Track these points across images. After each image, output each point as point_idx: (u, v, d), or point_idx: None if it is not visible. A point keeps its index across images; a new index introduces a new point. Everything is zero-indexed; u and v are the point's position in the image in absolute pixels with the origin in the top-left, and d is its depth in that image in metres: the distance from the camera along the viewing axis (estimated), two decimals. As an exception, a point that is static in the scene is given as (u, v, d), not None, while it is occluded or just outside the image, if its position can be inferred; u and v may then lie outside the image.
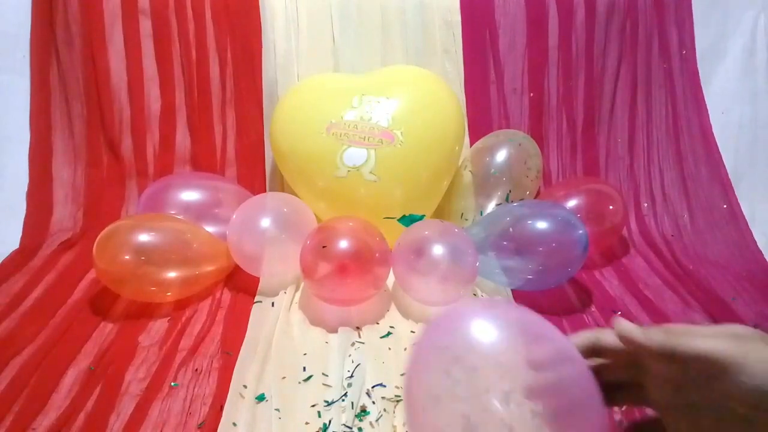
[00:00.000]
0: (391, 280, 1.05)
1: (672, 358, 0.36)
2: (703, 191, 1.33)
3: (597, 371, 0.43)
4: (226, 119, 1.30)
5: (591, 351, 0.43)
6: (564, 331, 0.97)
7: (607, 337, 0.43)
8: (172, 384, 0.84)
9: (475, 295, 1.06)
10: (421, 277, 0.95)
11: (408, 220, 1.12)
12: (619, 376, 0.43)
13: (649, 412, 0.43)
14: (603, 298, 1.07)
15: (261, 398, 0.81)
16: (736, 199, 1.30)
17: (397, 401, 0.81)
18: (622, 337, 0.39)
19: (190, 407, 0.80)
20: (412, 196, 1.13)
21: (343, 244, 0.94)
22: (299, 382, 0.85)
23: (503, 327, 0.43)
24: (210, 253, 1.03)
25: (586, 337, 0.43)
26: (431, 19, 1.31)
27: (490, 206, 1.14)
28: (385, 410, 0.79)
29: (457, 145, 1.16)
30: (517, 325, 0.43)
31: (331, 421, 0.77)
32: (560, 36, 1.32)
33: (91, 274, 1.10)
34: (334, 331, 0.96)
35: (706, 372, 0.36)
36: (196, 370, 0.87)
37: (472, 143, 1.29)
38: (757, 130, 1.35)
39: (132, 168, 1.28)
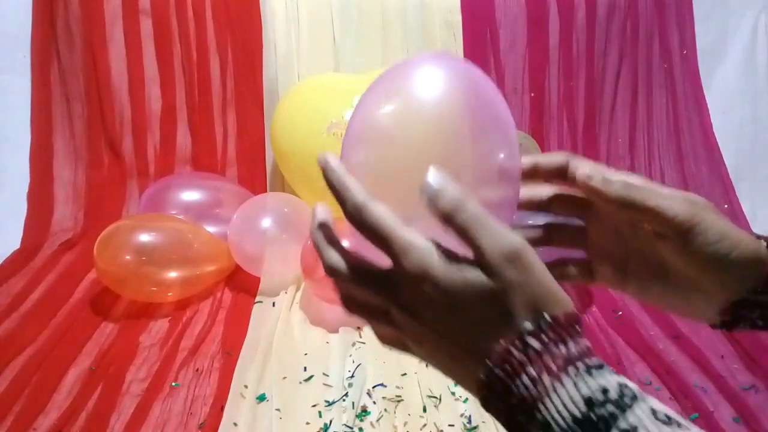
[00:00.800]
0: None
1: (627, 208, 0.36)
2: (704, 191, 1.33)
3: (543, 204, 0.42)
4: (226, 119, 1.30)
5: (529, 172, 0.41)
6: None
7: (544, 159, 0.41)
8: (173, 384, 0.84)
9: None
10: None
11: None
12: (563, 210, 0.43)
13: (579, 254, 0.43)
14: (603, 298, 1.07)
15: (262, 398, 0.81)
16: (737, 199, 1.30)
17: (398, 401, 0.81)
18: (581, 182, 0.38)
19: (191, 407, 0.80)
20: (412, 196, 1.13)
21: (344, 244, 0.93)
22: (300, 382, 0.85)
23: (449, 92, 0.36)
24: (211, 253, 1.03)
25: (554, 159, 0.40)
26: (432, 18, 1.31)
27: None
28: (385, 410, 0.79)
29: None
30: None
31: (332, 421, 0.77)
32: (561, 36, 1.32)
33: (92, 274, 1.10)
34: (335, 331, 0.96)
35: (656, 228, 0.37)
36: (197, 370, 0.87)
37: (472, 143, 1.28)
38: (758, 130, 1.35)
39: (133, 168, 1.28)
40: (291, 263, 1.00)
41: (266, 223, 1.01)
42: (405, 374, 0.86)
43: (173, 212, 1.08)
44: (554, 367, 0.28)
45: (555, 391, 0.28)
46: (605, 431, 0.27)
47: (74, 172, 1.27)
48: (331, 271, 0.34)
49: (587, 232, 0.42)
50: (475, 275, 0.29)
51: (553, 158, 0.40)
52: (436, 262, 0.29)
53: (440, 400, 0.81)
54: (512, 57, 1.33)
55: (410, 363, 0.89)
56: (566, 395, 0.28)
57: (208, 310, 1.01)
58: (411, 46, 1.31)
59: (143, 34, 1.26)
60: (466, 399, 0.82)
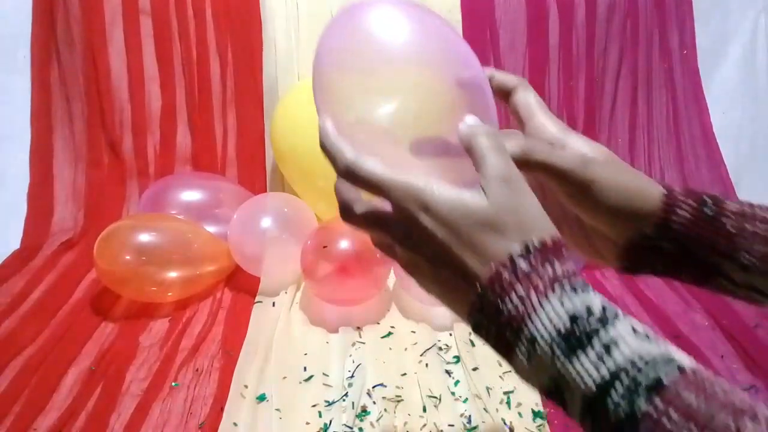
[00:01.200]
0: (391, 280, 1.05)
1: (526, 166, 0.38)
2: (703, 191, 1.33)
3: None
4: (226, 119, 1.30)
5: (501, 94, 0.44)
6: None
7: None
8: (173, 384, 0.84)
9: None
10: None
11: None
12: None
13: None
14: (602, 292, 1.06)
15: (262, 398, 0.82)
16: (737, 199, 1.30)
17: (398, 401, 0.82)
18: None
19: (190, 407, 0.80)
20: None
21: (344, 244, 0.94)
22: (300, 382, 0.85)
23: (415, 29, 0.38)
24: (211, 253, 1.03)
25: (509, 79, 0.44)
26: (432, 18, 1.31)
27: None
28: (385, 410, 0.79)
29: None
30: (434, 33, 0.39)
31: (332, 421, 0.77)
32: (561, 35, 1.32)
33: (92, 274, 1.10)
34: (335, 331, 0.96)
35: (552, 183, 0.39)
36: (197, 370, 0.87)
37: (472, 143, 1.28)
38: (758, 130, 1.35)
39: (133, 168, 1.28)
40: (291, 263, 1.00)
41: (266, 223, 1.01)
42: (405, 374, 0.87)
43: (173, 212, 1.08)
44: (541, 286, 0.30)
45: (542, 307, 0.30)
46: (587, 343, 0.29)
47: (74, 172, 1.27)
48: (344, 211, 0.37)
49: None
50: (473, 196, 0.32)
51: (507, 79, 0.43)
52: (435, 192, 0.32)
53: (440, 400, 0.81)
54: (512, 56, 1.33)
55: (410, 363, 0.89)
56: (552, 311, 0.29)
57: (208, 310, 1.01)
58: (411, 45, 1.31)
59: (143, 34, 1.26)
60: (466, 399, 0.82)
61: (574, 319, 0.29)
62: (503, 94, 0.43)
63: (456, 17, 1.31)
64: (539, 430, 0.77)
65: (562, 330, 0.29)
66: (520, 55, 1.33)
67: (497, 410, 0.80)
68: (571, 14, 1.31)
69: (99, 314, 0.99)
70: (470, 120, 0.35)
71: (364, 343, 0.93)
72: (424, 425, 0.78)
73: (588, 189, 0.38)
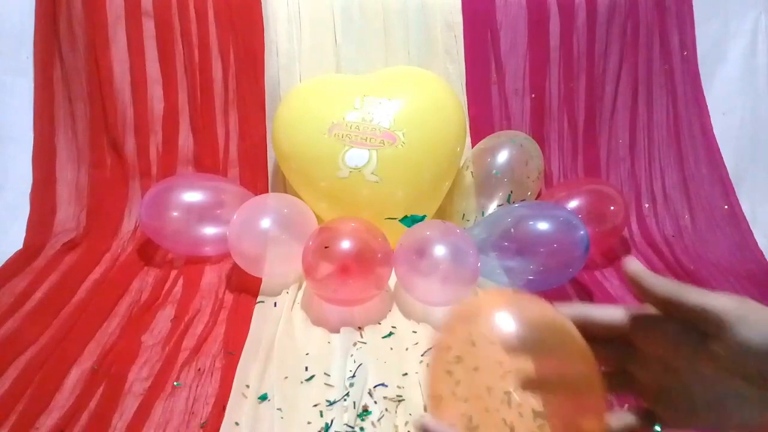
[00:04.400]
0: (392, 280, 1.05)
1: (675, 305, 0.36)
2: (704, 192, 1.33)
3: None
4: (228, 120, 1.31)
5: (578, 326, 0.41)
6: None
7: (597, 311, 0.41)
8: (175, 384, 0.84)
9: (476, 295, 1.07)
10: (423, 278, 0.96)
11: (410, 220, 1.13)
12: (606, 360, 0.42)
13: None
14: (604, 299, 1.07)
15: (263, 398, 0.82)
16: (737, 200, 1.30)
17: (399, 401, 0.82)
18: (631, 277, 0.38)
19: (192, 407, 0.81)
20: (413, 197, 1.13)
21: (345, 244, 0.94)
22: (301, 382, 0.85)
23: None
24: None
25: (576, 309, 0.41)
26: (433, 20, 1.32)
27: (492, 207, 1.14)
28: (386, 410, 0.80)
29: (459, 146, 1.16)
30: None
31: (333, 421, 0.78)
32: (561, 37, 1.33)
33: (95, 275, 1.10)
34: (336, 331, 0.96)
35: (705, 330, 0.35)
36: (199, 369, 0.87)
37: (473, 144, 1.29)
38: (758, 130, 1.35)
39: (135, 169, 1.28)
40: (292, 263, 1.00)
41: (266, 223, 1.01)
42: (406, 374, 0.87)
43: (175, 213, 1.08)
44: None
45: None
46: None
47: (77, 173, 1.28)
48: None
49: (633, 375, 0.42)
50: None
51: (611, 315, 0.40)
52: None
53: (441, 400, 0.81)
54: (513, 58, 1.33)
55: (411, 363, 0.89)
56: None
57: (209, 310, 1.01)
58: (412, 47, 1.32)
59: (146, 36, 1.26)
60: (467, 399, 0.82)
61: None
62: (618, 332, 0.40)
63: (457, 19, 1.32)
64: (540, 430, 0.77)
65: None
66: (521, 57, 1.33)
67: (498, 410, 0.80)
68: (572, 16, 1.32)
69: (101, 314, 0.99)
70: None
71: (365, 343, 0.94)
72: (425, 425, 0.78)
73: (738, 325, 0.33)
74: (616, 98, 1.37)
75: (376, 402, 0.81)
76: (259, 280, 1.07)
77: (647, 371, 0.41)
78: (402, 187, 1.12)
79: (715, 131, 1.36)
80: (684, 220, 1.32)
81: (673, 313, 0.36)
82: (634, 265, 0.38)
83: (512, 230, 0.98)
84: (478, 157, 1.21)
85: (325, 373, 0.87)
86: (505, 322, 0.39)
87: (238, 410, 0.79)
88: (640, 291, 0.38)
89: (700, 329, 0.35)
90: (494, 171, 1.16)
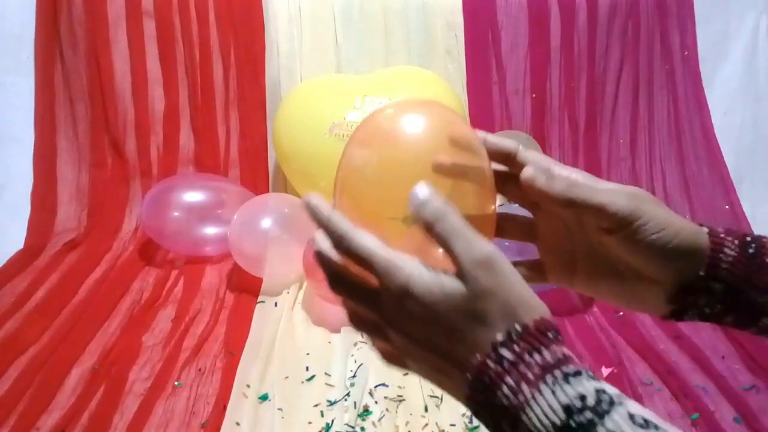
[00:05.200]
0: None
1: (571, 206, 0.37)
2: (705, 192, 1.33)
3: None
4: (229, 120, 1.31)
5: (500, 156, 0.41)
6: (567, 333, 0.98)
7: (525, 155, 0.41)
8: (176, 383, 0.84)
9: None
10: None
11: (411, 221, 1.12)
12: (514, 198, 0.43)
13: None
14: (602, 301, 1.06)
15: (264, 398, 0.82)
16: (738, 200, 1.30)
17: (400, 401, 0.82)
18: (524, 181, 0.38)
19: (193, 407, 0.81)
20: (414, 197, 1.13)
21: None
22: (302, 382, 0.85)
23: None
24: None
25: (507, 144, 0.41)
26: (434, 20, 1.32)
27: (492, 207, 1.14)
28: (387, 410, 0.80)
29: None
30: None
31: (334, 421, 0.78)
32: (562, 37, 1.32)
33: (96, 274, 1.10)
34: (337, 331, 0.96)
35: (600, 223, 0.38)
36: (200, 369, 0.87)
37: (474, 144, 1.28)
38: (759, 130, 1.35)
39: (136, 169, 1.28)
40: (293, 263, 1.00)
41: (266, 223, 1.01)
42: (407, 374, 0.87)
43: (175, 213, 1.08)
44: (531, 376, 0.29)
45: (534, 399, 0.29)
46: None
47: (77, 173, 1.28)
48: (333, 285, 0.35)
49: (536, 226, 0.43)
50: (451, 283, 0.30)
51: (503, 144, 0.40)
52: (417, 278, 0.31)
53: (442, 399, 0.81)
54: (514, 58, 1.33)
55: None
56: (545, 404, 0.28)
57: (210, 310, 1.01)
58: (413, 47, 1.31)
59: (146, 36, 1.26)
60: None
61: (568, 410, 0.28)
62: (501, 158, 0.41)
63: (458, 20, 1.32)
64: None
65: (559, 423, 0.28)
66: (522, 57, 1.33)
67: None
68: (573, 16, 1.32)
69: (102, 314, 0.99)
70: (422, 192, 0.33)
71: (366, 343, 0.94)
72: (426, 425, 0.78)
73: (638, 227, 0.36)
74: (617, 98, 1.37)
75: (376, 402, 0.81)
76: (259, 280, 1.07)
77: (547, 224, 0.42)
78: (403, 187, 1.11)
79: (716, 131, 1.35)
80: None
81: (571, 207, 0.37)
82: (528, 169, 0.38)
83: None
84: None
85: (325, 373, 0.87)
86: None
87: (239, 410, 0.79)
88: (534, 193, 0.38)
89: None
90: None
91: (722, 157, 1.33)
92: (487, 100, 1.34)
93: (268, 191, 1.30)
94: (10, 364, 0.86)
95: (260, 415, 0.79)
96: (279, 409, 0.79)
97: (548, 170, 0.38)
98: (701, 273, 0.37)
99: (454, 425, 0.77)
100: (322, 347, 0.93)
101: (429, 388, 0.83)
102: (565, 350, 0.30)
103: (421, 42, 1.31)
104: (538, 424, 0.28)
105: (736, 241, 0.38)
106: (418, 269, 0.31)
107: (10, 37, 1.24)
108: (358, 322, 0.36)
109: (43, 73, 1.25)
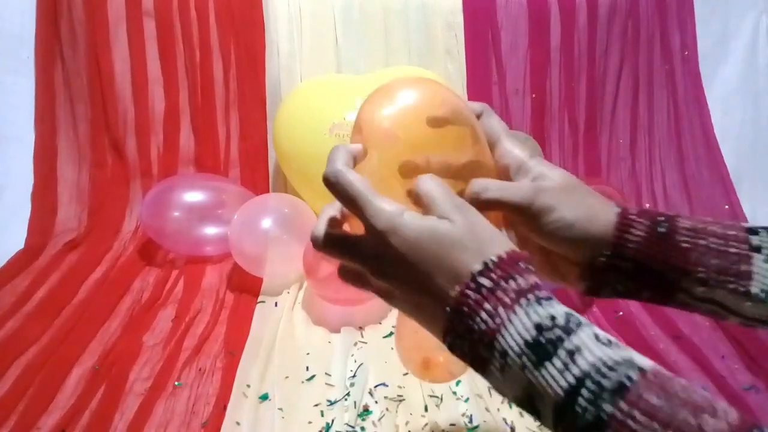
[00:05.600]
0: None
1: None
2: (704, 192, 1.33)
3: None
4: (229, 120, 1.31)
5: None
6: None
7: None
8: (176, 383, 0.84)
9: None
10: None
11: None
12: None
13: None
14: (605, 299, 1.06)
15: (264, 398, 0.82)
16: (738, 200, 1.30)
17: (400, 401, 0.82)
18: (472, 198, 0.40)
19: (193, 406, 0.81)
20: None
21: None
22: (302, 382, 0.85)
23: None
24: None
25: (474, 106, 0.45)
26: (433, 20, 1.32)
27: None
28: (387, 410, 0.80)
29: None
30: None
31: (334, 421, 0.78)
32: (562, 37, 1.32)
33: (96, 274, 1.10)
34: (337, 330, 0.96)
35: (507, 215, 0.42)
36: (200, 369, 0.88)
37: (474, 144, 1.29)
38: (759, 130, 1.35)
39: (136, 169, 1.28)
40: (293, 263, 1.00)
41: (267, 223, 1.01)
42: (407, 374, 0.87)
43: (175, 213, 1.08)
44: (508, 300, 0.31)
45: (510, 321, 0.31)
46: (553, 352, 0.30)
47: (78, 173, 1.28)
48: (314, 240, 0.38)
49: None
50: (432, 220, 0.34)
51: (471, 107, 0.44)
52: (404, 218, 0.34)
53: (442, 399, 0.81)
54: (514, 58, 1.33)
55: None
56: (519, 323, 0.31)
57: (210, 310, 1.01)
58: (413, 47, 1.31)
59: (147, 36, 1.26)
60: (468, 398, 0.82)
61: (539, 328, 0.31)
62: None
63: (458, 19, 1.32)
64: (540, 429, 0.77)
65: (530, 340, 0.30)
66: (522, 57, 1.33)
67: (498, 410, 0.80)
68: (573, 16, 1.32)
69: (102, 314, 0.99)
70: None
71: (366, 342, 0.94)
72: (426, 425, 0.78)
73: (542, 218, 0.39)
74: (617, 98, 1.37)
75: (376, 402, 0.81)
76: (259, 280, 1.07)
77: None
78: (403, 187, 1.11)
79: (716, 131, 1.35)
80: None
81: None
82: (476, 186, 0.40)
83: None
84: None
85: (325, 373, 0.87)
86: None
87: (239, 410, 0.79)
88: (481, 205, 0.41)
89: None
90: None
91: (722, 157, 1.33)
92: (487, 100, 1.33)
93: (268, 191, 1.30)
94: (10, 364, 0.86)
95: (260, 414, 0.79)
96: (279, 408, 0.79)
97: (495, 146, 0.43)
98: (606, 252, 0.40)
99: (453, 425, 0.77)
100: (322, 347, 0.93)
101: (429, 387, 0.83)
102: (537, 279, 0.33)
103: (421, 42, 1.31)
104: (512, 343, 0.31)
105: (647, 222, 0.40)
106: (401, 209, 0.34)
107: (10, 37, 1.24)
108: (344, 273, 0.40)
109: (44, 73, 1.26)
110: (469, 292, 0.32)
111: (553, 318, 0.31)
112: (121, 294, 1.05)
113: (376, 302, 1.01)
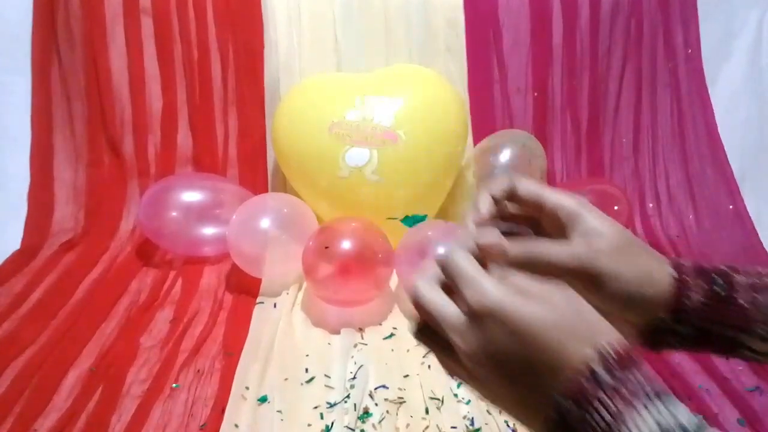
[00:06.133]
0: (394, 281, 1.04)
1: (539, 208, 0.40)
2: (708, 191, 1.32)
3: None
4: (228, 119, 1.30)
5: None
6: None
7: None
8: (174, 385, 0.84)
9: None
10: (424, 278, 0.95)
11: (411, 220, 1.12)
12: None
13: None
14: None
15: (263, 400, 0.81)
16: (742, 200, 1.29)
17: (400, 403, 0.81)
18: (499, 197, 0.41)
19: (191, 409, 0.80)
20: (414, 197, 1.12)
21: (346, 244, 0.93)
22: (301, 384, 0.85)
23: None
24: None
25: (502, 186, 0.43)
26: (434, 17, 1.31)
27: (494, 207, 1.13)
28: (387, 412, 0.79)
29: (460, 145, 1.15)
30: None
31: (334, 423, 0.77)
32: (564, 35, 1.32)
33: (93, 275, 1.10)
34: (337, 332, 0.95)
35: (559, 218, 0.40)
36: (198, 371, 0.87)
37: (475, 143, 1.28)
38: (763, 129, 1.34)
39: (133, 168, 1.28)
40: (292, 264, 1.00)
41: (265, 223, 1.00)
42: (407, 376, 0.86)
43: (173, 213, 1.08)
44: (628, 396, 0.29)
45: (633, 420, 0.28)
46: None
47: (75, 173, 1.27)
48: (420, 331, 0.37)
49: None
50: (537, 306, 0.32)
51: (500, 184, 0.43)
52: (507, 302, 0.32)
53: (442, 401, 0.81)
54: (515, 56, 1.32)
55: (412, 365, 0.88)
56: (644, 425, 0.28)
57: (209, 311, 1.01)
58: (413, 45, 1.31)
59: (144, 34, 1.25)
60: (469, 401, 0.81)
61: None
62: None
63: (459, 17, 1.31)
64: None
65: None
66: (524, 56, 1.32)
67: (500, 412, 0.80)
68: (575, 14, 1.31)
69: (99, 315, 0.98)
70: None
71: (366, 344, 0.93)
72: (427, 427, 0.77)
73: (597, 282, 0.38)
74: (620, 97, 1.36)
75: (376, 404, 0.81)
76: (258, 281, 1.06)
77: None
78: (403, 187, 1.11)
79: (720, 130, 1.34)
80: (688, 219, 1.31)
81: (538, 209, 0.41)
82: (533, 249, 0.39)
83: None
84: (480, 156, 1.20)
85: (325, 375, 0.86)
86: None
87: (238, 412, 0.78)
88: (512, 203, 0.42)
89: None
90: (496, 170, 1.15)
91: (726, 156, 1.33)
92: (488, 99, 1.33)
93: (267, 191, 1.29)
94: (6, 365, 0.85)
95: (259, 417, 0.78)
96: (278, 411, 0.78)
97: (544, 204, 0.41)
98: (664, 317, 0.38)
99: (455, 427, 0.76)
100: (322, 348, 0.92)
101: (430, 389, 0.83)
102: (649, 369, 0.31)
103: (421, 40, 1.31)
104: None
105: (704, 285, 0.38)
106: (506, 291, 0.32)
107: (6, 36, 1.23)
108: (445, 364, 0.37)
109: (40, 71, 1.25)
110: (585, 383, 0.30)
111: (682, 426, 0.28)
112: (119, 295, 1.04)
113: (375, 303, 1.01)
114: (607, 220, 0.39)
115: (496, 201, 0.42)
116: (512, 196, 0.42)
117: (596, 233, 0.39)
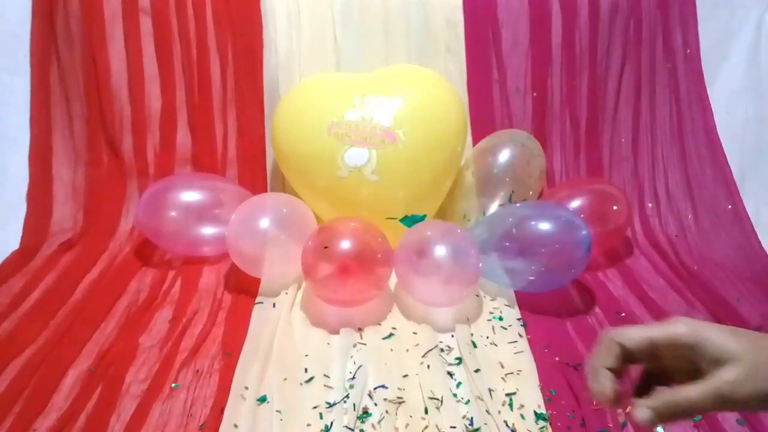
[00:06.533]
0: (393, 281, 1.04)
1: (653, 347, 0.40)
2: (707, 192, 1.32)
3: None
4: (227, 119, 1.30)
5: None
6: (568, 333, 0.97)
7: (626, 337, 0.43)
8: (173, 385, 0.84)
9: (477, 296, 1.06)
10: (424, 278, 0.95)
11: (410, 220, 1.12)
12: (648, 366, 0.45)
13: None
14: (607, 300, 1.06)
15: (262, 400, 0.81)
16: (741, 200, 1.29)
17: (400, 403, 0.81)
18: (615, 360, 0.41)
19: (191, 409, 0.80)
20: (414, 197, 1.12)
21: (345, 244, 0.93)
22: (301, 384, 0.85)
23: None
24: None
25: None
26: (433, 17, 1.31)
27: (493, 207, 1.13)
28: (387, 412, 0.79)
29: (460, 145, 1.15)
30: None
31: (333, 423, 0.77)
32: (564, 35, 1.31)
33: (92, 275, 1.10)
34: (336, 332, 0.95)
35: (680, 350, 0.40)
36: (197, 371, 0.87)
37: (474, 143, 1.28)
38: (762, 129, 1.34)
39: (132, 168, 1.27)
40: (292, 264, 0.99)
41: (264, 223, 1.00)
42: (406, 376, 0.86)
43: (172, 213, 1.07)
44: None
45: None
46: None
47: (74, 172, 1.27)
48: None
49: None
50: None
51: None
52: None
53: (442, 401, 0.81)
54: (514, 56, 1.32)
55: (411, 365, 0.89)
56: None
57: (208, 311, 1.01)
58: (413, 45, 1.31)
59: (143, 34, 1.25)
60: (468, 401, 0.81)
61: None
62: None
63: (458, 17, 1.31)
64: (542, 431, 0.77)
65: None
66: (523, 55, 1.32)
67: (499, 412, 0.80)
68: (574, 14, 1.31)
69: (98, 315, 0.98)
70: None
71: (365, 344, 0.93)
72: (426, 427, 0.77)
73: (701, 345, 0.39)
74: (619, 97, 1.36)
75: (376, 404, 0.81)
76: (257, 281, 1.06)
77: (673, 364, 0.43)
78: (402, 187, 1.11)
79: (719, 130, 1.34)
80: (687, 220, 1.31)
81: (654, 354, 0.41)
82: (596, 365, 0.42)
83: (514, 230, 0.97)
84: (480, 156, 1.20)
85: (324, 375, 0.86)
86: None
87: (237, 412, 0.78)
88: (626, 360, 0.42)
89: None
90: (495, 170, 1.15)
91: (725, 156, 1.32)
92: (487, 99, 1.33)
93: (266, 191, 1.29)
94: (6, 365, 0.85)
95: (258, 417, 0.78)
96: (277, 411, 0.78)
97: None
98: None
99: (454, 428, 0.76)
100: (321, 348, 0.92)
101: (429, 389, 0.83)
102: None
103: (421, 40, 1.30)
104: None
105: None
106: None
107: (5, 36, 1.22)
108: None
109: (39, 71, 1.24)
110: None
111: None
112: (118, 295, 1.04)
113: (375, 303, 1.01)
114: (729, 335, 0.39)
115: (614, 371, 0.42)
116: (626, 356, 0.41)
117: (727, 356, 0.38)
